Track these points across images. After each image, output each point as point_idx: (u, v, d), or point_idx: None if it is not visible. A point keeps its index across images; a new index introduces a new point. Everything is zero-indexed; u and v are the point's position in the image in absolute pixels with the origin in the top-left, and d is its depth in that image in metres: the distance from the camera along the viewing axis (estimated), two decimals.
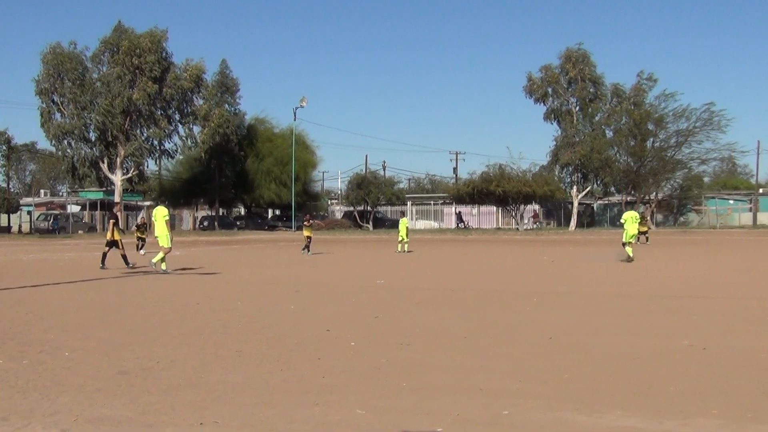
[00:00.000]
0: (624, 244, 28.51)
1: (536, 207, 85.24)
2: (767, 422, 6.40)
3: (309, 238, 36.33)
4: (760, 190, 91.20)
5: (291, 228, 79.81)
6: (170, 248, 24.02)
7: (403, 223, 38.22)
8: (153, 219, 24.65)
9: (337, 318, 13.02)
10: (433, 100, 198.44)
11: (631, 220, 28.89)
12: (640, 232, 43.17)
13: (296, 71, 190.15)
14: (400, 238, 37.98)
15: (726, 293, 17.07)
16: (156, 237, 24.19)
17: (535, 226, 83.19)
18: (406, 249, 37.52)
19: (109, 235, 26.37)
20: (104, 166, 72.72)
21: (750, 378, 8.07)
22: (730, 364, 8.76)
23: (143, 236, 36.60)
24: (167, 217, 24.25)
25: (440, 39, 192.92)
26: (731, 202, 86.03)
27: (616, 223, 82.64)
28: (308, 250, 35.62)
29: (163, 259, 23.82)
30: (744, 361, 8.96)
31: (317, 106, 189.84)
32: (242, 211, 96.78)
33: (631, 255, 27.95)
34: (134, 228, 39.88)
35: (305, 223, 37.38)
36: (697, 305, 14.17)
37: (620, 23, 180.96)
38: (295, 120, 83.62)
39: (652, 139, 77.58)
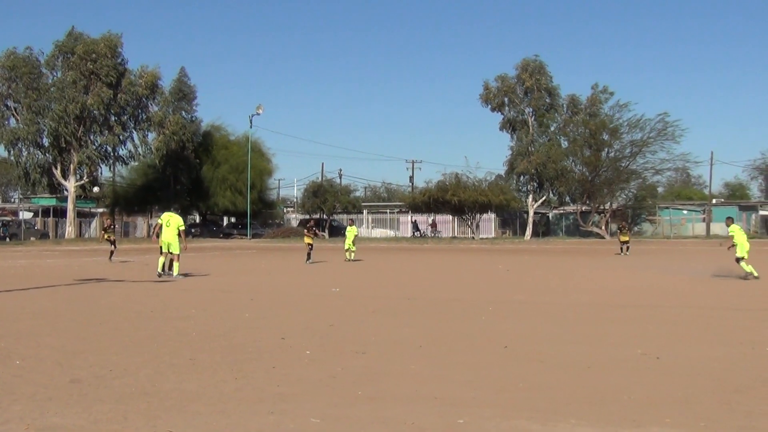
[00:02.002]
0: (738, 260, 24.32)
1: (433, 216, 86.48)
2: (720, 431, 6.44)
3: (310, 245, 35.96)
4: (714, 201, 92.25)
5: (246, 236, 79.51)
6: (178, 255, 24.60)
7: (351, 231, 37.89)
8: (165, 224, 24.50)
9: (292, 326, 12.96)
10: (389, 108, 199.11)
11: (740, 232, 25.02)
12: (623, 242, 43.44)
13: (252, 79, 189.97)
14: (346, 247, 37.59)
15: (679, 303, 17.22)
16: (166, 242, 24.16)
17: (432, 235, 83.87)
18: (352, 257, 37.08)
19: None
20: (57, 173, 72.09)
21: (703, 387, 8.13)
22: (683, 373, 8.83)
23: (111, 238, 35.73)
24: (183, 227, 24.46)
25: (397, 47, 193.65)
26: (685, 212, 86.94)
27: (570, 231, 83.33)
28: (309, 258, 35.18)
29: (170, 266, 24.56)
30: (697, 370, 9.03)
31: (273, 113, 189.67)
32: (197, 218, 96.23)
33: (751, 271, 23.93)
34: (102, 232, 38.89)
35: (307, 231, 37.06)
36: (651, 314, 14.28)
37: (575, 34, 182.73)
38: (251, 127, 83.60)
39: (607, 149, 78.16)
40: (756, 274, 23.50)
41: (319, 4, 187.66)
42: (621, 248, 42.97)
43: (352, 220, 43.11)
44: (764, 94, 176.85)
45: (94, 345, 10.96)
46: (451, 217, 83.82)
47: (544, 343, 11.10)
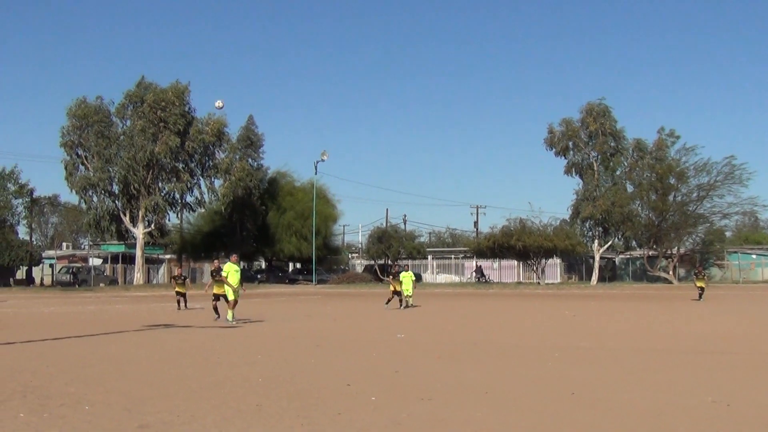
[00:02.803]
0: None
1: (477, 262, 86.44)
2: None
3: (397, 292, 34.89)
4: None
5: (311, 281, 79.77)
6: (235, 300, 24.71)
7: (407, 277, 35.99)
8: (224, 274, 24.82)
9: (357, 372, 12.97)
10: (453, 154, 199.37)
11: None
12: (699, 288, 42.34)
13: (318, 125, 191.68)
14: (405, 293, 35.41)
15: (749, 349, 16.91)
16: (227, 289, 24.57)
17: (477, 280, 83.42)
18: (410, 303, 35.74)
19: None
20: (126, 219, 73.15)
21: None
22: (754, 421, 8.67)
23: (182, 291, 33.86)
24: (239, 272, 24.79)
25: (461, 92, 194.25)
26: (754, 256, 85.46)
27: (637, 277, 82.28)
28: (401, 304, 34.44)
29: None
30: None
31: (338, 159, 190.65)
32: (263, 264, 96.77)
33: None
34: (172, 280, 38.14)
35: (393, 276, 36.24)
36: (721, 361, 14.06)
37: (640, 77, 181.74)
38: (316, 173, 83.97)
39: (673, 193, 77.24)
40: None
41: (383, 53, 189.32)
42: (699, 294, 41.89)
43: (407, 265, 42.12)
44: None
45: (162, 391, 11.06)
46: (516, 262, 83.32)
47: (612, 390, 10.97)
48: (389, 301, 34.85)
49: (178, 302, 32.87)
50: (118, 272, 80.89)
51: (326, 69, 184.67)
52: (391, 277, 36.31)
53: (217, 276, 25.89)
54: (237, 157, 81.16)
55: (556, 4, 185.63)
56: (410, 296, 35.86)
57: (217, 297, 26.05)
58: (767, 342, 18.71)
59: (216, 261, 31.55)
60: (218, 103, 35.06)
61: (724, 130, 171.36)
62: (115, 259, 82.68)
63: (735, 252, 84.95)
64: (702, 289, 42.04)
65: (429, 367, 13.59)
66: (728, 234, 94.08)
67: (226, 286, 24.59)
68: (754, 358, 14.87)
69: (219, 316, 25.61)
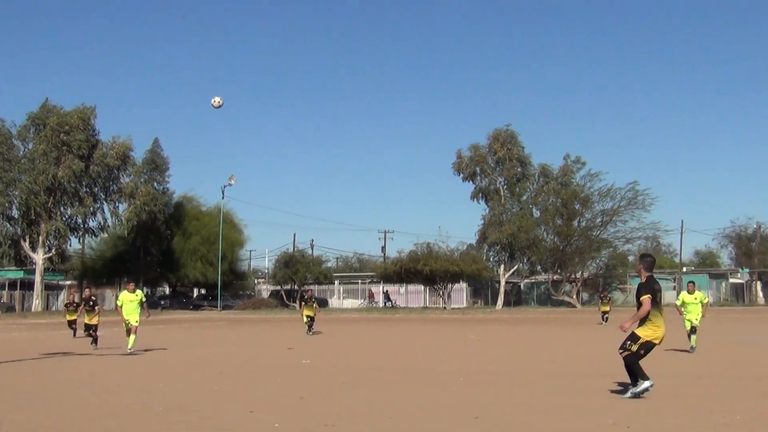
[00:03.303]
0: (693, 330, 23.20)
1: (371, 287, 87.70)
2: None
3: (310, 318, 33.98)
4: (684, 269, 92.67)
5: (217, 307, 78.93)
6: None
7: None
8: (119, 303, 23.90)
9: (261, 399, 12.81)
10: (361, 179, 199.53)
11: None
12: (603, 312, 43.05)
13: (225, 150, 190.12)
14: (305, 319, 34.60)
15: (652, 372, 17.16)
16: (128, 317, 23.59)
17: (371, 304, 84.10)
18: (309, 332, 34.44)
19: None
20: (25, 245, 71.51)
21: None
22: None
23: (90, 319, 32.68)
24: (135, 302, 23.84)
25: (369, 117, 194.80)
26: None
27: (542, 301, 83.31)
28: (310, 330, 33.61)
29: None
30: None
31: (246, 184, 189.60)
32: (167, 290, 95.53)
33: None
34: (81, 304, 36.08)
35: (305, 301, 35.08)
36: (624, 384, 14.21)
37: (546, 105, 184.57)
38: (223, 198, 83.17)
39: (578, 219, 78.45)
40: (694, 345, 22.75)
41: (289, 77, 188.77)
42: (602, 318, 42.52)
43: (310, 290, 41.44)
44: (733, 163, 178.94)
45: (59, 420, 10.78)
46: (423, 286, 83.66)
47: (516, 414, 11.02)
48: (310, 327, 34.18)
49: (75, 330, 31.84)
50: (15, 299, 78.85)
51: (233, 92, 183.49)
52: (303, 302, 35.66)
53: (84, 306, 25.79)
54: (142, 180, 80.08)
55: (462, 30, 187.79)
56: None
57: (87, 327, 25.94)
58: (666, 365, 19.03)
59: (87, 290, 30.99)
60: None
61: (628, 157, 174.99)
62: (12, 285, 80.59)
63: (637, 276, 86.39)
64: (606, 312, 42.69)
65: (334, 393, 13.50)
66: (631, 258, 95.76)
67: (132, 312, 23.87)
68: (654, 381, 15.09)
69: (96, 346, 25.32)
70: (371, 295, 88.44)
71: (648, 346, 12.59)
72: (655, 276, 13.33)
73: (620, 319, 37.59)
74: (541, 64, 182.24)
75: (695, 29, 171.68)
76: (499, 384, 14.62)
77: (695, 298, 23.53)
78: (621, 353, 12.67)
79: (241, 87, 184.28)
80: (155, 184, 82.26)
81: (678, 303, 24.00)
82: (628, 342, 12.65)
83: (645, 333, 12.59)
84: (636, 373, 12.53)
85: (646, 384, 12.36)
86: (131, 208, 77.22)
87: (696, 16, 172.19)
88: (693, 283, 24.65)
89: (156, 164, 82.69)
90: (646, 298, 12.65)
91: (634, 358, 12.54)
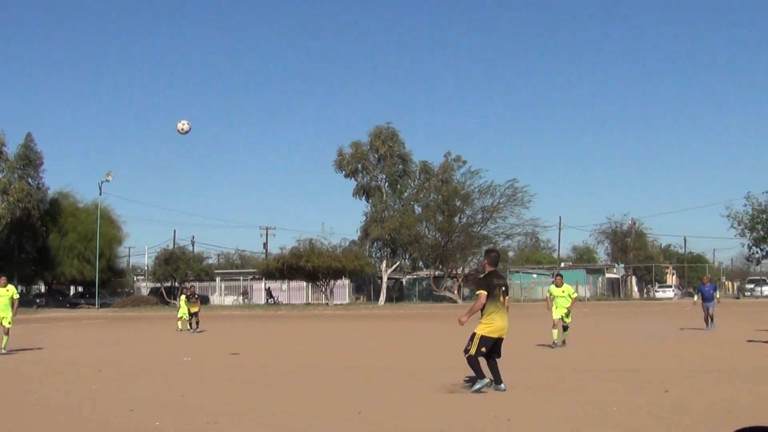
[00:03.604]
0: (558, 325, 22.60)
1: (245, 284, 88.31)
2: None
3: (194, 314, 34.11)
4: (562, 264, 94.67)
5: (95, 305, 77.41)
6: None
7: (184, 300, 35.17)
8: None
9: (141, 398, 12.63)
10: (243, 175, 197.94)
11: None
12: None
13: (102, 145, 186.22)
14: (180, 315, 34.98)
15: (530, 365, 17.51)
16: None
17: (245, 302, 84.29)
18: (181, 327, 34.61)
19: None
20: None
21: None
22: None
23: None
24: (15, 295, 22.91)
25: (249, 114, 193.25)
26: (534, 276, 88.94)
27: (423, 297, 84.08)
28: (191, 327, 33.66)
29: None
30: (548, 430, 9.16)
31: (124, 180, 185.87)
32: (43, 288, 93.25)
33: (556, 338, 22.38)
34: None
35: (186, 297, 34.79)
36: (504, 378, 14.46)
37: (426, 102, 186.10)
38: (100, 194, 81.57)
39: (459, 215, 79.32)
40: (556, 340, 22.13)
41: (167, 72, 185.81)
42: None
43: (185, 288, 41.06)
44: (609, 161, 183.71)
45: None
46: (305, 283, 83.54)
47: (399, 409, 11.10)
48: (190, 324, 34.08)
49: None
50: None
51: (108, 88, 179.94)
52: (185, 300, 35.19)
53: None
54: (15, 176, 77.90)
55: (342, 28, 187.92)
56: (187, 319, 34.90)
57: None
58: (545, 358, 19.41)
59: None
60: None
61: (508, 154, 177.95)
62: None
63: (517, 272, 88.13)
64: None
65: (216, 391, 13.39)
66: (511, 254, 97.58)
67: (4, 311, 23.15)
68: (533, 374, 15.39)
69: None
70: (245, 292, 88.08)
71: (484, 341, 12.74)
72: (499, 271, 13.56)
73: (517, 314, 38.05)
74: (421, 63, 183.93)
75: (570, 27, 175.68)
76: (382, 380, 14.72)
77: (563, 291, 23.01)
78: (465, 355, 12.86)
79: (117, 80, 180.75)
80: (29, 179, 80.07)
81: (548, 295, 23.96)
82: (468, 343, 12.86)
83: (479, 329, 12.83)
84: (475, 372, 12.73)
85: (484, 381, 12.59)
86: (4, 204, 75.09)
87: (569, 14, 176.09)
88: (561, 276, 24.50)
89: (29, 159, 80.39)
90: (481, 293, 12.89)
91: (473, 359, 12.73)
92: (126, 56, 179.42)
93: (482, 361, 12.75)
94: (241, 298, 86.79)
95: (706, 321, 29.68)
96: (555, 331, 22.30)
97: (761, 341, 22.74)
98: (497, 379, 12.81)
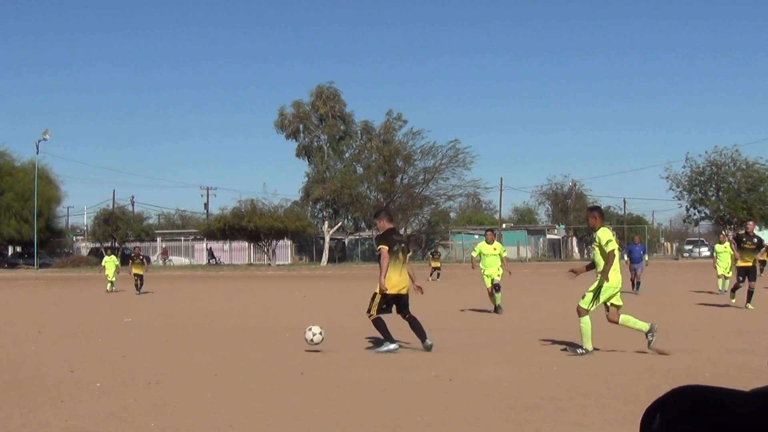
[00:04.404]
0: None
1: (164, 245, 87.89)
2: None
3: (138, 276, 33.25)
4: (504, 225, 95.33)
5: (33, 265, 76.52)
6: None
7: (111, 261, 35.11)
8: None
9: (82, 358, 12.56)
10: (182, 135, 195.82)
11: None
12: (434, 268, 43.48)
13: (39, 103, 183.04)
14: (111, 278, 34.57)
15: (470, 326, 17.67)
16: None
17: (166, 263, 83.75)
18: (113, 289, 34.29)
19: None
20: None
21: (493, 406, 8.35)
22: (475, 394, 9.04)
23: None
24: None
25: (189, 72, 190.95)
26: (476, 237, 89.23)
27: (366, 257, 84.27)
28: (137, 289, 32.82)
29: None
30: (488, 390, 9.27)
31: (62, 139, 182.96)
32: None
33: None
34: None
35: (134, 259, 34.26)
36: (443, 337, 14.56)
37: (367, 62, 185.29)
38: (37, 153, 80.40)
39: (401, 176, 79.52)
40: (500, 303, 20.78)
41: (105, 25, 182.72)
42: (431, 273, 42.93)
43: (110, 249, 40.43)
44: (550, 122, 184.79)
45: None
46: (247, 243, 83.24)
47: (340, 369, 11.17)
48: (136, 286, 33.34)
49: None
50: None
51: (46, 45, 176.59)
52: (131, 260, 34.80)
53: None
54: None
55: None
56: (111, 280, 34.62)
57: None
58: (485, 319, 19.58)
59: None
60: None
61: (449, 114, 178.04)
62: None
63: (459, 232, 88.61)
64: (437, 268, 43.29)
65: (157, 352, 13.36)
66: (452, 215, 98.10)
67: None
68: (473, 335, 15.54)
69: None
70: (164, 253, 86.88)
71: (385, 298, 12.87)
72: (397, 229, 13.72)
73: (450, 274, 38.28)
74: (363, 21, 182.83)
75: None
76: (326, 340, 14.76)
77: (494, 249, 21.14)
78: (368, 317, 12.98)
79: (55, 37, 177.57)
80: None
81: (474, 254, 22.00)
82: (369, 304, 12.97)
83: (377, 288, 12.93)
84: (382, 335, 12.89)
85: (391, 346, 12.73)
86: None
87: None
88: (492, 231, 22.95)
89: None
90: (383, 248, 12.94)
91: (378, 320, 12.85)
92: (63, 12, 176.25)
93: (405, 326, 12.86)
94: (160, 258, 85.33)
95: (632, 283, 27.80)
96: (498, 295, 20.58)
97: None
98: (422, 337, 12.91)
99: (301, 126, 78.50)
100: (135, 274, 33.43)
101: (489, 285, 20.67)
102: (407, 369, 11.00)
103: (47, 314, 22.71)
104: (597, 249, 12.63)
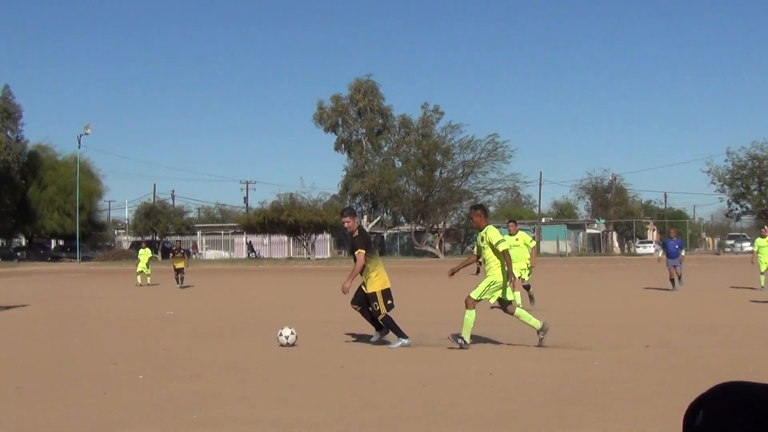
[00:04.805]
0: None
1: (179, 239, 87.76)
2: None
3: (179, 270, 32.92)
4: (543, 220, 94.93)
5: (75, 259, 77.27)
6: None
7: (144, 254, 35.24)
8: None
9: (124, 351, 12.66)
10: (222, 129, 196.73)
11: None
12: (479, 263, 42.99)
13: (82, 98, 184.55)
14: (139, 269, 34.84)
15: (508, 319, 17.59)
16: None
17: (195, 257, 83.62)
18: (148, 282, 34.56)
19: None
20: None
21: (534, 401, 8.32)
22: (515, 389, 9.02)
23: None
24: None
25: (229, 67, 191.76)
26: None
27: (405, 251, 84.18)
28: (178, 283, 32.45)
29: None
30: (529, 384, 9.25)
31: (104, 133, 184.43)
32: (23, 241, 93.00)
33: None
34: None
35: (175, 252, 34.22)
36: (486, 333, 14.53)
37: (406, 57, 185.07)
38: (79, 147, 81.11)
39: (439, 170, 79.34)
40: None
41: (146, 23, 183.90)
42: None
43: (144, 242, 40.63)
44: (590, 115, 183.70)
45: None
46: (286, 237, 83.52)
47: (381, 363, 11.18)
48: (178, 280, 33.00)
49: None
50: None
51: (89, 39, 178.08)
52: (171, 254, 34.80)
53: None
54: None
55: None
56: (148, 274, 34.82)
57: None
58: (533, 314, 19.48)
59: None
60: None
61: (488, 109, 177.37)
62: None
63: (498, 227, 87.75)
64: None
65: (198, 345, 13.43)
66: (491, 209, 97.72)
67: None
68: (514, 329, 15.47)
69: None
70: (194, 247, 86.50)
71: (387, 294, 13.02)
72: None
73: (472, 269, 37.90)
74: (402, 16, 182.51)
75: None
76: (363, 333, 14.78)
77: (516, 240, 19.12)
78: (379, 318, 12.98)
79: (98, 34, 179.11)
80: (8, 132, 79.53)
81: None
82: (374, 304, 12.97)
83: (376, 286, 13.03)
84: (394, 332, 12.94)
85: (405, 342, 12.75)
86: None
87: None
88: (514, 222, 20.78)
89: (8, 112, 79.82)
90: (362, 252, 13.11)
91: (388, 318, 12.90)
92: (105, 7, 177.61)
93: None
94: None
95: (672, 281, 26.01)
96: (516, 294, 17.32)
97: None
98: (379, 327, 13.17)
99: (339, 120, 78.68)
100: (176, 268, 33.18)
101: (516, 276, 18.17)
102: (447, 364, 10.99)
103: (90, 307, 22.91)
104: (487, 247, 12.76)
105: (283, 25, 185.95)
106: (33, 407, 8.27)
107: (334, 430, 7.11)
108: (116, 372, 10.55)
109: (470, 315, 12.47)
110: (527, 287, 19.48)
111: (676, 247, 26.10)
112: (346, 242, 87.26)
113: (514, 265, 17.21)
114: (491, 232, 12.62)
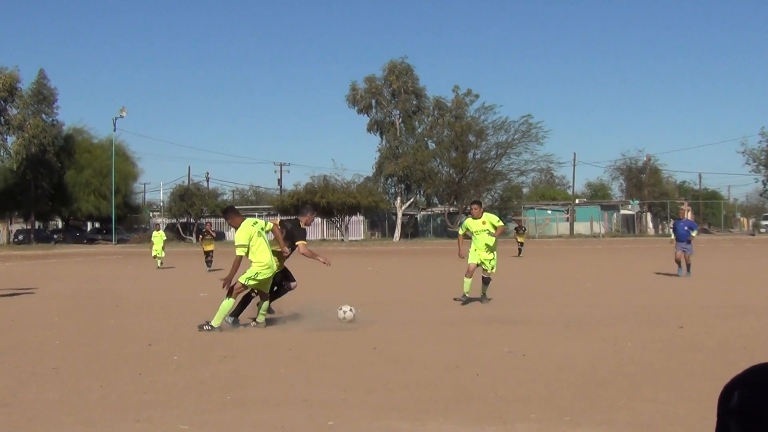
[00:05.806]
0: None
1: (209, 221, 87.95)
2: (583, 425, 6.60)
3: (208, 252, 32.56)
4: (577, 201, 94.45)
5: (111, 241, 77.85)
6: None
7: (159, 237, 35.25)
8: None
9: (158, 332, 12.77)
10: (256, 111, 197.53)
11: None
12: (520, 243, 43.42)
13: (117, 81, 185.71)
14: (154, 254, 34.89)
15: (542, 301, 17.56)
16: None
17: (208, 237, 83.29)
18: (161, 265, 34.47)
19: None
20: None
21: (567, 382, 8.32)
22: (548, 370, 9.01)
23: None
24: None
25: (262, 49, 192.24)
26: (549, 212, 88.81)
27: (438, 233, 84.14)
28: (208, 266, 31.87)
29: None
30: (561, 366, 9.24)
31: (138, 116, 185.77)
32: (60, 224, 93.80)
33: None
34: None
35: (205, 235, 33.90)
36: (515, 313, 14.53)
37: (440, 38, 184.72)
38: (114, 130, 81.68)
39: (473, 151, 79.15)
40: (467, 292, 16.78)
41: (180, 9, 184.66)
42: (519, 250, 42.94)
43: (158, 224, 40.77)
44: (624, 97, 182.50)
45: None
46: (320, 219, 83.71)
47: (413, 344, 11.19)
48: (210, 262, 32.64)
49: None
50: None
51: (123, 23, 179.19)
52: (202, 237, 34.74)
53: None
54: (30, 113, 77.93)
55: None
56: (161, 257, 34.95)
57: None
58: (557, 295, 19.45)
59: None
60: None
61: (522, 90, 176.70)
62: None
63: (531, 208, 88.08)
64: (522, 244, 43.15)
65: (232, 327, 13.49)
66: (525, 190, 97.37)
67: None
68: (546, 310, 15.44)
69: None
70: (208, 230, 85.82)
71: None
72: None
73: (508, 250, 37.84)
74: None
75: None
76: (396, 315, 14.80)
77: (483, 223, 16.74)
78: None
79: (133, 17, 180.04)
80: (44, 116, 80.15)
81: (461, 232, 17.77)
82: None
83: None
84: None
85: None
86: (20, 140, 75.43)
87: None
88: (479, 204, 17.58)
89: (43, 96, 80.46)
90: (302, 243, 14.94)
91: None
92: None
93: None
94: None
95: (678, 262, 24.39)
96: (467, 281, 16.56)
97: None
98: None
99: (373, 101, 78.60)
100: (206, 251, 32.85)
101: (474, 261, 16.65)
102: (481, 345, 10.99)
103: (125, 288, 23.10)
104: None
105: (318, 5, 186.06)
106: (69, 388, 8.36)
107: (364, 412, 7.14)
108: (151, 353, 10.65)
109: (228, 302, 13.15)
110: (486, 281, 16.97)
111: (686, 228, 24.44)
112: (379, 224, 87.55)
113: (475, 253, 16.60)
114: None
